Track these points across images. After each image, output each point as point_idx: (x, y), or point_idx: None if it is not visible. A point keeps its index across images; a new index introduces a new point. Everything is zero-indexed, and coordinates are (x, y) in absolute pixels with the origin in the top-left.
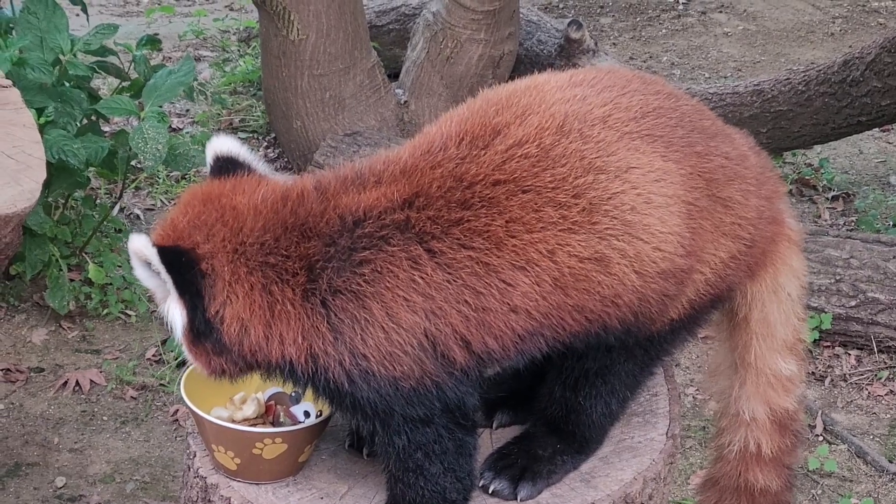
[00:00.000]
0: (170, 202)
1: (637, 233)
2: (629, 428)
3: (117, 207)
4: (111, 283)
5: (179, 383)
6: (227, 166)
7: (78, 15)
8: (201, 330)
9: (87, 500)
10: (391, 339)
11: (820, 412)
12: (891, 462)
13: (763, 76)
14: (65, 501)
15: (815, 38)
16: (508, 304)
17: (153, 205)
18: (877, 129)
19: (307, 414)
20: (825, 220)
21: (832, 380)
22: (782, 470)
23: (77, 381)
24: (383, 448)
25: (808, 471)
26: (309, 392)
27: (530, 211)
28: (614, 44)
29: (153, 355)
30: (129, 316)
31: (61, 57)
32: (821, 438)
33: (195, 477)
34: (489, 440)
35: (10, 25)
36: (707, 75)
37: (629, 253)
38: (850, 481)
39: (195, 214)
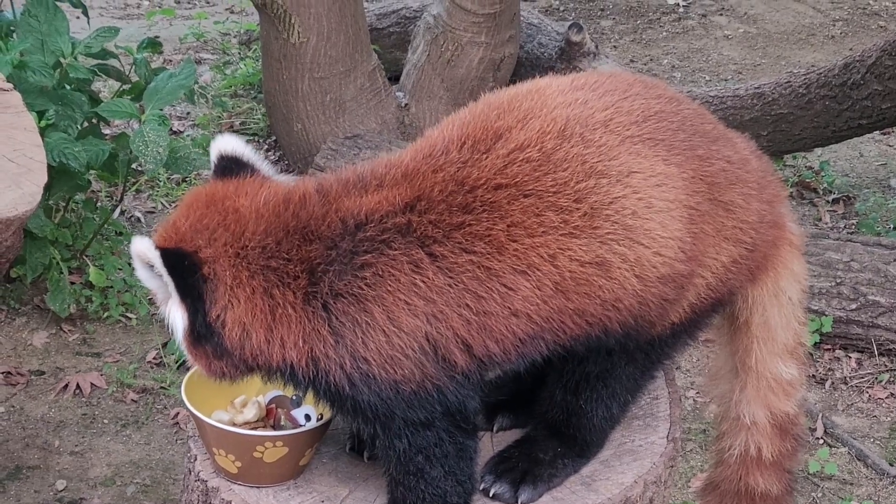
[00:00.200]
0: (170, 205)
1: (638, 237)
2: (630, 431)
3: (118, 210)
4: (112, 286)
5: (180, 386)
6: (231, 166)
7: (78, 18)
8: (202, 333)
9: (88, 503)
10: (392, 342)
11: (820, 415)
12: (891, 465)
13: (764, 79)
14: None
15: (815, 40)
16: (509, 308)
17: (154, 208)
18: (877, 132)
19: (308, 417)
20: (826, 223)
21: (833, 383)
22: (783, 474)
23: (78, 384)
24: (384, 451)
25: (808, 474)
26: (310, 395)
27: (532, 215)
28: (615, 47)
29: (154, 358)
30: (130, 319)
31: (62, 60)
32: (821, 441)
33: (196, 480)
34: (490, 444)
35: (11, 28)
36: (708, 78)
37: (630, 257)
38: (851, 484)
39: (198, 217)
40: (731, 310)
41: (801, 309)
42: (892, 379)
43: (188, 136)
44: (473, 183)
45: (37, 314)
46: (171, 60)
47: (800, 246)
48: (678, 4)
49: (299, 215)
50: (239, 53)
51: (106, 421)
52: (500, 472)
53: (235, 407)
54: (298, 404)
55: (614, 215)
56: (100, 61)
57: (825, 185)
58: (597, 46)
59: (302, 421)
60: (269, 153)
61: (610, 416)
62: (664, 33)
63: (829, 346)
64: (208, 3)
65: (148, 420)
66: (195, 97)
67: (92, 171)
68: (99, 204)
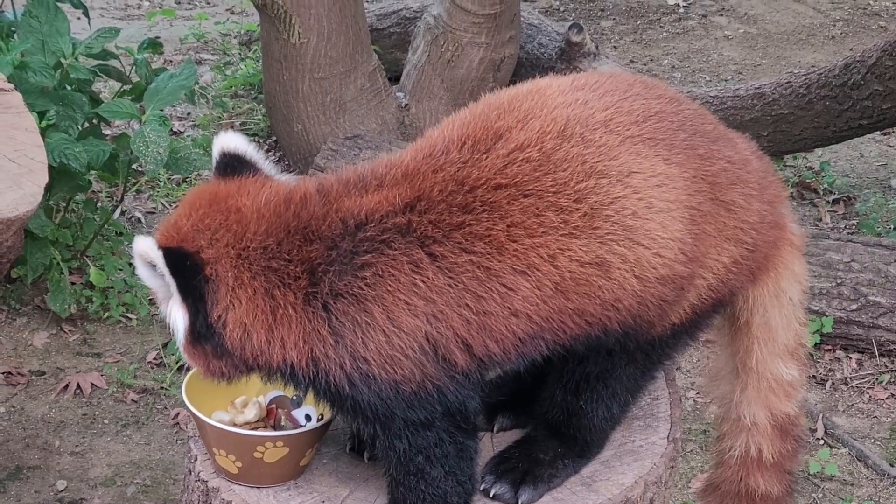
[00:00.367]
0: (171, 205)
1: (638, 238)
2: (630, 431)
3: (118, 211)
4: (112, 287)
5: (181, 387)
6: (233, 163)
7: (79, 18)
8: (202, 333)
9: (88, 503)
10: (392, 342)
11: (821, 416)
12: (892, 466)
13: (764, 79)
14: None
15: (815, 41)
16: (509, 308)
17: (154, 208)
18: (878, 132)
19: (308, 417)
20: (826, 224)
21: (833, 383)
22: (783, 475)
23: (78, 385)
24: (384, 452)
25: (809, 474)
26: (310, 395)
27: (531, 215)
28: (615, 47)
29: (154, 359)
30: (130, 319)
31: (63, 60)
32: (822, 442)
33: (196, 480)
34: (490, 444)
35: (12, 29)
36: (708, 78)
37: (630, 258)
38: (851, 485)
39: (200, 217)
40: (731, 310)
41: (802, 309)
42: (892, 380)
43: (189, 136)
44: (473, 183)
45: (37, 314)
46: (171, 61)
47: (800, 246)
48: (678, 5)
49: (300, 215)
50: (239, 54)
51: (106, 421)
52: (500, 472)
53: (236, 407)
54: (299, 404)
55: (614, 216)
56: (100, 62)
57: (825, 185)
58: (597, 47)
59: (302, 421)
60: (270, 153)
61: (610, 416)
62: (664, 34)
63: (829, 347)
64: (209, 3)
65: (148, 420)
66: (196, 98)
67: (92, 172)
68: (99, 204)
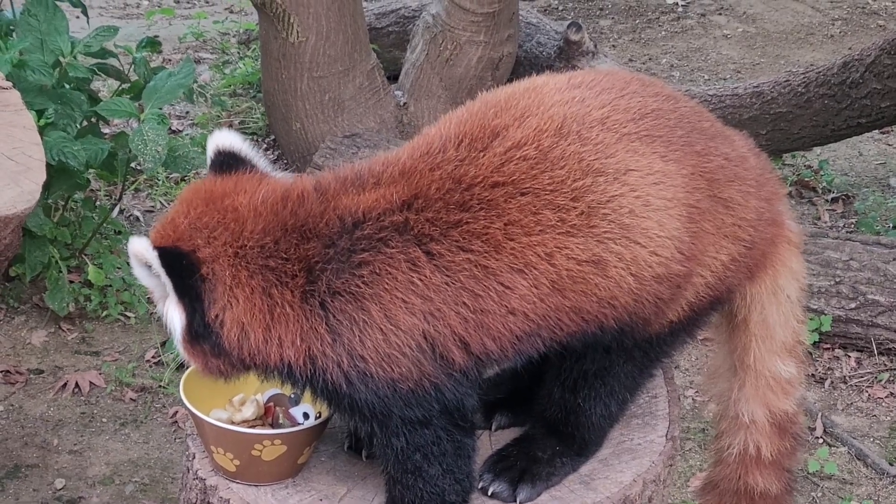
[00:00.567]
0: (169, 204)
1: (635, 236)
2: (628, 430)
3: (117, 209)
4: (111, 285)
5: (179, 385)
6: (227, 161)
7: (78, 17)
8: (200, 332)
9: (87, 501)
10: (389, 340)
11: (820, 414)
12: (891, 465)
13: (762, 78)
14: (64, 503)
15: (814, 40)
16: (506, 307)
17: (153, 207)
18: (876, 130)
19: (306, 416)
20: (825, 222)
21: (832, 382)
22: (782, 473)
23: (76, 383)
24: (382, 450)
25: (808, 473)
26: (308, 394)
27: (529, 214)
28: (613, 46)
29: (152, 357)
30: (129, 318)
31: (61, 59)
32: (821, 441)
33: (194, 478)
34: (488, 442)
35: (11, 27)
36: (706, 77)
37: (626, 256)
38: (851, 484)
39: (196, 215)
40: (729, 308)
41: (800, 307)
42: (891, 378)
43: (187, 135)
44: (470, 181)
45: (36, 313)
46: (170, 60)
47: (798, 244)
48: (677, 4)
49: (297, 213)
50: (238, 53)
51: (105, 420)
52: (498, 470)
53: (234, 405)
54: (297, 402)
55: (611, 214)
56: (99, 60)
57: (824, 184)
58: (595, 46)
59: (300, 419)
60: (268, 152)
61: (608, 414)
62: (663, 32)
63: (828, 346)
64: (207, 2)
65: (146, 419)
66: (194, 96)
67: (91, 170)
68: (98, 203)
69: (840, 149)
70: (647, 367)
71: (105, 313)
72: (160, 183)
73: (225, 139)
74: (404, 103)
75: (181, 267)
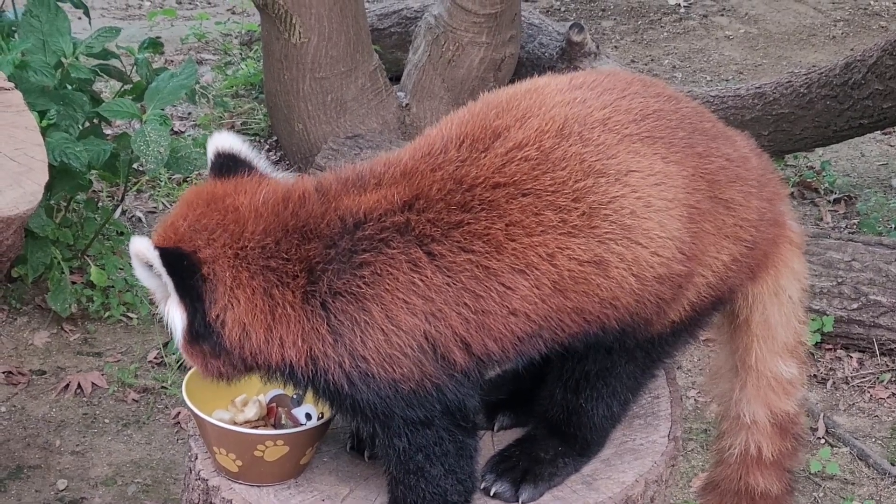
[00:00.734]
0: (171, 205)
1: (636, 237)
2: (631, 430)
3: (119, 210)
4: (113, 286)
5: (181, 386)
6: (228, 163)
7: (80, 18)
8: (200, 333)
9: (89, 502)
10: (391, 341)
11: (822, 415)
12: (893, 465)
13: (764, 79)
14: None
15: (816, 40)
16: (508, 307)
17: (155, 207)
18: (878, 131)
19: (309, 416)
20: (827, 223)
21: (834, 382)
22: (783, 473)
23: (79, 384)
24: (384, 450)
25: (810, 473)
26: (310, 394)
27: (530, 214)
28: (616, 47)
29: (154, 358)
30: (131, 318)
31: (63, 60)
32: (823, 441)
33: (197, 479)
34: (491, 443)
35: (13, 28)
36: (708, 78)
37: (628, 257)
38: (853, 484)
39: (197, 217)
40: (731, 308)
41: (802, 307)
42: (893, 379)
43: (189, 136)
44: (472, 182)
45: (38, 314)
46: (172, 61)
47: (800, 244)
48: (679, 5)
49: (298, 214)
50: (240, 54)
51: (107, 420)
52: (500, 470)
53: (236, 406)
54: (299, 403)
55: (613, 215)
56: (101, 61)
57: (826, 184)
58: (598, 47)
59: (303, 420)
60: (271, 153)
61: (610, 414)
62: (665, 34)
63: (830, 346)
64: (210, 3)
65: (149, 420)
66: (196, 97)
67: (93, 171)
68: (100, 204)
69: (842, 149)
70: (649, 367)
71: (107, 314)
72: (162, 184)
73: (225, 141)
74: (406, 104)
75: (182, 267)
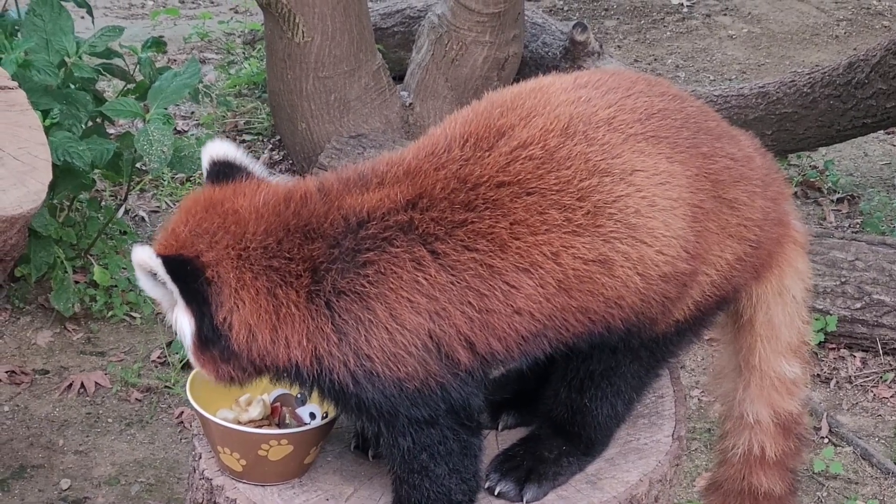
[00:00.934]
0: (175, 204)
1: (641, 236)
2: (635, 430)
3: (122, 209)
4: (116, 286)
5: (185, 385)
6: (224, 170)
7: (83, 17)
8: (209, 337)
9: (92, 502)
10: (395, 339)
11: (825, 414)
12: None
13: (768, 78)
14: (69, 503)
15: (819, 40)
16: (512, 306)
17: (158, 207)
18: (882, 131)
19: (313, 416)
20: (830, 223)
21: (837, 382)
22: (786, 473)
23: (82, 384)
24: (388, 449)
25: (813, 473)
26: (315, 394)
27: (535, 213)
28: (619, 46)
29: (158, 357)
30: (134, 318)
31: (67, 59)
32: (826, 440)
33: (201, 478)
34: (495, 442)
35: (16, 28)
36: (712, 78)
37: (633, 256)
38: (856, 483)
39: (197, 222)
40: (735, 308)
41: (805, 307)
42: None
43: (192, 135)
44: (476, 180)
45: (41, 313)
46: (175, 60)
47: (804, 244)
48: (682, 4)
49: (300, 214)
50: (243, 53)
51: (110, 420)
52: (505, 470)
53: (240, 405)
54: (303, 402)
55: (617, 213)
56: (104, 60)
57: (830, 184)
58: (601, 46)
59: (307, 419)
60: (274, 152)
61: (615, 414)
62: (668, 33)
63: (833, 346)
64: (213, 2)
65: (152, 419)
66: (199, 96)
67: (96, 170)
68: (103, 203)
69: (845, 149)
70: (653, 366)
71: (110, 313)
72: (165, 183)
73: (219, 149)
74: (410, 104)
75: (186, 272)
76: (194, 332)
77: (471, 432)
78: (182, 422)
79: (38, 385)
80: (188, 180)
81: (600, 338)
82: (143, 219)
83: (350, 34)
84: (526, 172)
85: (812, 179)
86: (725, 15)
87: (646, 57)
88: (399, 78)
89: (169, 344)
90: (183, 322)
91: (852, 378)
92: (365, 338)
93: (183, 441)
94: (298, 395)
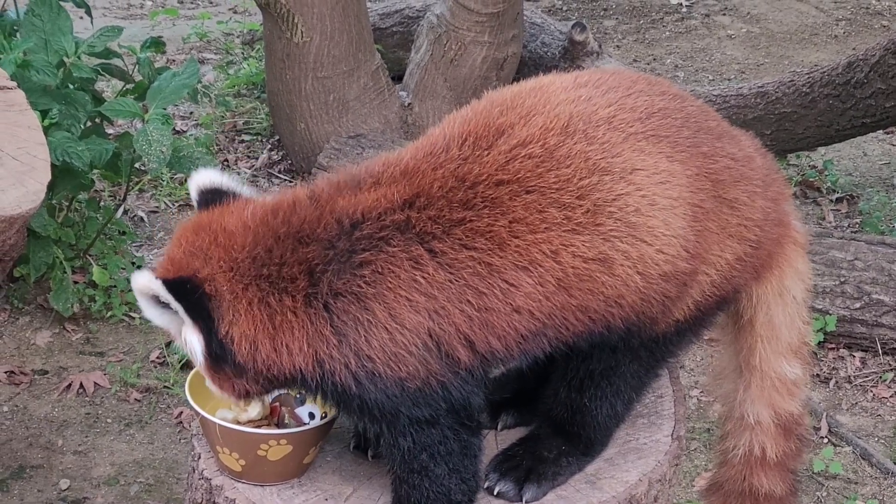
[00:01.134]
0: (174, 205)
1: (641, 235)
2: (634, 429)
3: (121, 210)
4: (115, 286)
5: (184, 385)
6: (212, 198)
7: (82, 17)
8: (218, 353)
9: (91, 502)
10: (395, 339)
11: (825, 414)
12: None
13: (767, 78)
14: None
15: (818, 40)
16: (511, 305)
17: (157, 207)
18: (881, 130)
19: (312, 415)
20: (829, 222)
21: (837, 382)
22: (787, 474)
23: (81, 384)
24: (388, 449)
25: (813, 473)
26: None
27: (534, 211)
28: (618, 46)
29: (157, 357)
30: (133, 318)
31: (65, 59)
32: (826, 440)
33: (200, 478)
34: (494, 442)
35: (15, 28)
36: (711, 77)
37: (633, 255)
38: (856, 483)
39: (189, 244)
40: (735, 308)
41: (806, 308)
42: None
43: (191, 135)
44: (475, 179)
45: (40, 313)
46: (174, 60)
47: (804, 244)
48: (681, 4)
49: (290, 221)
50: (242, 53)
51: (109, 420)
52: (504, 470)
53: (239, 405)
54: (303, 402)
55: (617, 212)
56: (103, 61)
57: (829, 184)
58: (600, 46)
59: (306, 419)
60: (273, 153)
61: (614, 413)
62: (667, 33)
63: (833, 345)
64: (211, 3)
65: (151, 419)
66: (198, 97)
67: (95, 171)
68: (102, 203)
69: (844, 149)
70: (653, 366)
71: (109, 314)
72: (164, 183)
73: (205, 178)
74: (409, 104)
75: (187, 291)
76: (204, 350)
77: (471, 432)
78: (181, 422)
79: (38, 385)
80: (187, 180)
81: (600, 337)
82: (141, 219)
83: (349, 34)
84: (525, 171)
85: (811, 179)
86: (724, 15)
87: (645, 57)
88: (398, 78)
89: (168, 344)
90: (193, 341)
91: (852, 378)
92: (365, 338)
93: (182, 441)
94: (298, 395)
